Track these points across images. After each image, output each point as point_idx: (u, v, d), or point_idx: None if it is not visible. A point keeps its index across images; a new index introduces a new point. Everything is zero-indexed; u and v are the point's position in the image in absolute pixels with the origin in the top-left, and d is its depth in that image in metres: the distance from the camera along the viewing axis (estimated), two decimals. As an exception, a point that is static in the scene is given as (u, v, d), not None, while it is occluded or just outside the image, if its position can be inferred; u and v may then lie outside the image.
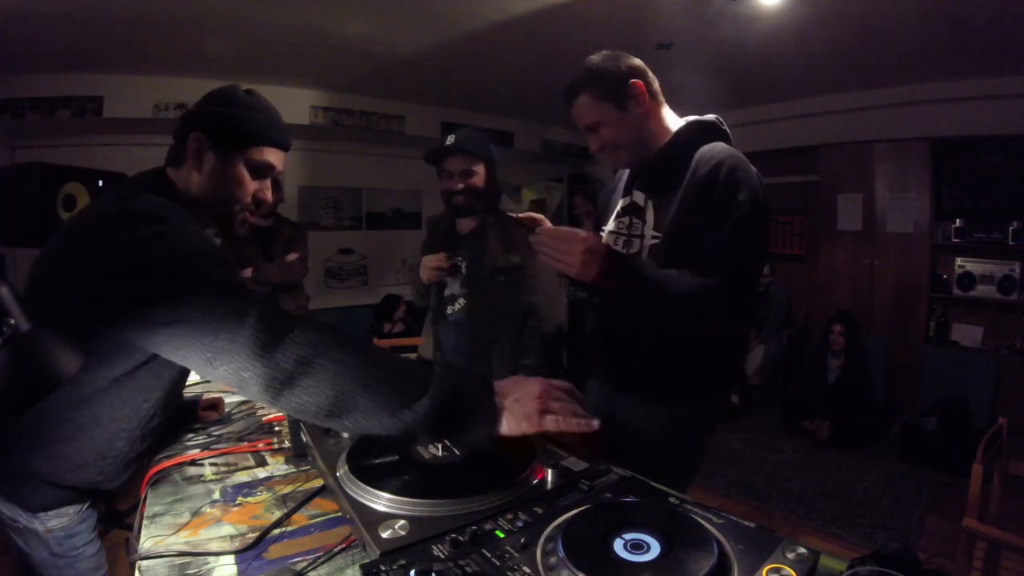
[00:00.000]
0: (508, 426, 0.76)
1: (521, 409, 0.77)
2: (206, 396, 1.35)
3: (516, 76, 3.82)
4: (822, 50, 3.24)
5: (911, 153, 4.07)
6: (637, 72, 1.22)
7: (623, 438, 1.17)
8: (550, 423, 0.77)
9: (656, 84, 1.26)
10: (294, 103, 3.98)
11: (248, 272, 2.90)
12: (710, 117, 1.27)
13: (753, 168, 1.15)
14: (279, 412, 0.88)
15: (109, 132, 3.56)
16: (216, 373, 0.73)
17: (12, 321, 0.76)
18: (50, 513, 1.01)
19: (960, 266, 3.92)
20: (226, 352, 0.71)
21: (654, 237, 1.20)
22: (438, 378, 0.74)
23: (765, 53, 3.29)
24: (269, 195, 1.01)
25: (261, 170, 0.98)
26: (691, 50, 3.27)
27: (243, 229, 1.02)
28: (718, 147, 1.18)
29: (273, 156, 0.99)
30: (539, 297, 1.70)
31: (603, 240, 1.11)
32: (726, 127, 1.26)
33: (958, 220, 3.89)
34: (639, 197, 1.28)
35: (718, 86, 4.04)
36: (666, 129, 1.26)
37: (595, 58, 1.23)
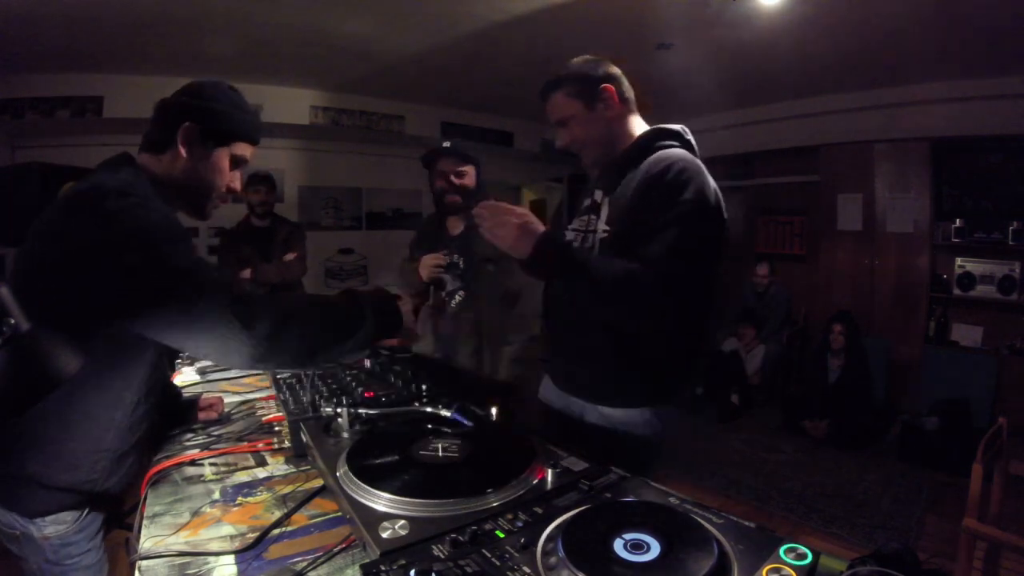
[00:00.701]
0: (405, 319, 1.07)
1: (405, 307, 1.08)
2: (204, 396, 1.35)
3: (516, 76, 3.82)
4: (822, 50, 3.24)
5: (911, 153, 4.07)
6: (611, 78, 1.30)
7: (577, 434, 1.27)
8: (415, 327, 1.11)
9: (630, 92, 1.34)
10: (294, 103, 3.99)
11: (247, 272, 2.91)
12: (676, 126, 1.33)
13: (708, 176, 1.21)
14: (259, 371, 0.98)
15: (109, 132, 3.55)
16: (195, 347, 0.83)
17: (12, 321, 0.76)
18: (47, 519, 1.01)
19: (960, 266, 3.92)
20: (208, 329, 0.83)
21: (604, 231, 1.26)
22: (363, 298, 1.01)
23: (765, 53, 3.30)
24: (238, 185, 1.12)
25: (238, 162, 1.08)
26: (691, 50, 3.27)
27: (211, 213, 1.12)
28: (675, 151, 1.24)
29: (249, 151, 1.10)
30: (523, 280, 1.74)
31: (541, 224, 1.15)
32: (690, 136, 1.33)
33: (958, 220, 3.89)
34: (598, 195, 1.34)
35: (718, 86, 4.04)
36: (631, 134, 1.34)
37: (576, 60, 1.31)
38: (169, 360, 1.89)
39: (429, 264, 1.82)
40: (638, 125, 1.36)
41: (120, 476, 1.07)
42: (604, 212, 1.29)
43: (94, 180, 0.95)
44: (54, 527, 1.01)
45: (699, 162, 1.23)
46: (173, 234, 0.89)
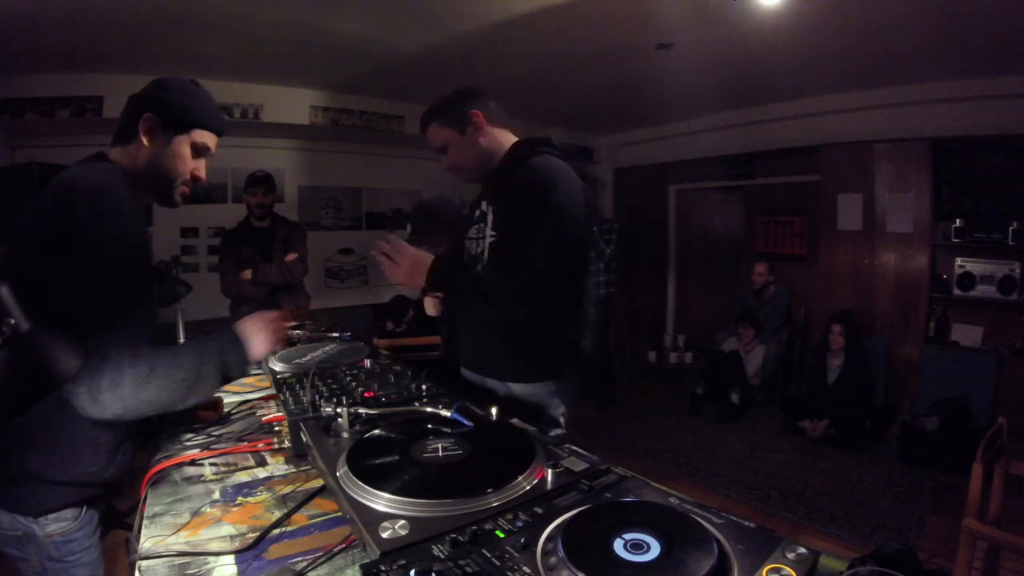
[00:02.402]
0: (255, 354, 1.07)
1: (257, 340, 1.07)
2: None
3: (516, 76, 3.82)
4: (822, 50, 3.24)
5: (911, 153, 4.06)
6: (477, 103, 1.46)
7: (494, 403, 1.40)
8: (275, 344, 1.10)
9: (496, 111, 1.50)
10: (294, 103, 3.98)
11: (247, 273, 2.90)
12: (542, 136, 1.51)
13: (572, 179, 1.37)
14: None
15: (109, 132, 3.52)
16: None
17: (12, 321, 0.76)
18: (49, 517, 1.02)
19: (960, 266, 3.92)
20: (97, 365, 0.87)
21: (492, 236, 1.44)
22: (206, 346, 1.02)
23: (765, 53, 3.29)
24: (203, 173, 1.16)
25: (200, 151, 1.13)
26: (691, 50, 3.26)
27: (180, 201, 1.15)
28: (543, 160, 1.39)
29: (211, 140, 1.14)
30: None
31: (432, 257, 1.37)
32: (555, 143, 1.50)
33: (958, 220, 3.89)
34: (484, 205, 1.50)
35: (718, 86, 4.04)
36: (503, 148, 1.49)
37: (444, 94, 1.49)
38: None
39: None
40: (509, 138, 1.52)
41: (116, 466, 1.10)
42: (490, 219, 1.46)
43: (67, 177, 0.98)
44: (56, 524, 1.03)
45: (565, 167, 1.39)
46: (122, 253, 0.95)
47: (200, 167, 1.14)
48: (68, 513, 1.05)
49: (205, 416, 1.30)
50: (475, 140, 1.45)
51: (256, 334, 1.07)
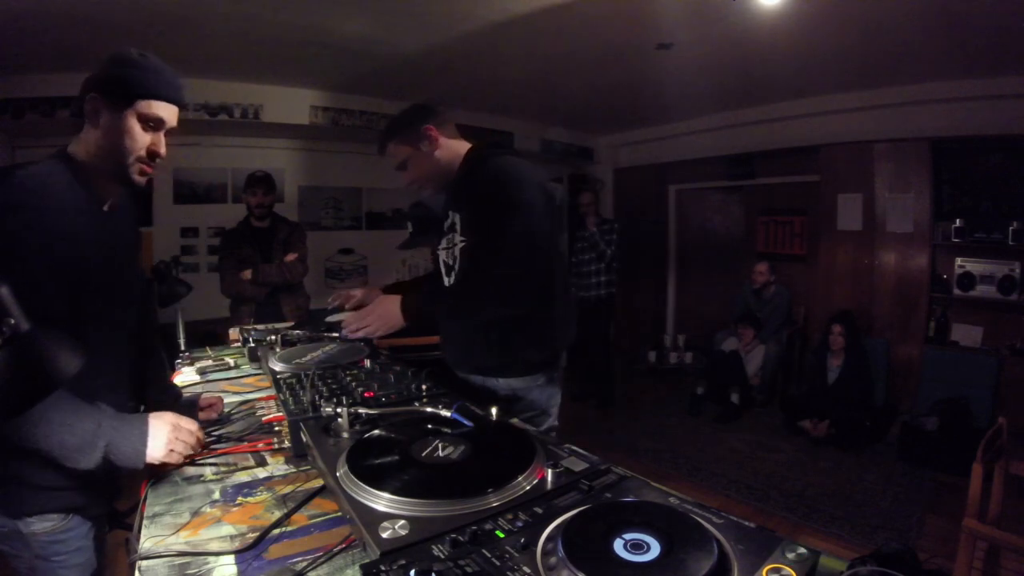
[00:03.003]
0: (151, 454, 0.98)
1: (159, 443, 0.99)
2: (204, 396, 1.35)
3: (516, 76, 3.82)
4: (822, 50, 3.24)
5: (911, 153, 4.06)
6: (430, 118, 1.50)
7: (482, 395, 1.49)
8: (173, 458, 1.00)
9: (449, 123, 1.55)
10: (294, 103, 3.98)
11: (247, 273, 2.90)
12: (495, 139, 1.52)
13: (530, 173, 1.42)
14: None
15: (109, 132, 3.55)
16: None
17: (12, 321, 0.76)
18: (33, 518, 1.02)
19: (960, 266, 3.92)
20: None
21: (462, 242, 1.50)
22: (107, 424, 0.95)
23: (765, 53, 3.29)
24: (162, 148, 1.06)
25: (151, 123, 1.04)
26: (691, 50, 3.26)
27: (142, 180, 1.07)
28: (498, 160, 1.44)
29: (163, 110, 1.04)
30: None
31: (392, 296, 1.47)
32: (509, 143, 1.53)
33: (958, 220, 3.89)
34: (451, 214, 1.55)
35: (718, 86, 4.04)
36: (459, 157, 1.53)
37: (396, 114, 1.55)
38: (170, 359, 1.90)
39: None
40: (464, 147, 1.56)
41: (100, 475, 1.05)
42: (458, 226, 1.51)
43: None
44: (40, 524, 1.03)
45: (520, 163, 1.45)
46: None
47: (158, 142, 1.06)
48: (52, 515, 1.04)
49: (205, 416, 1.30)
50: (431, 154, 1.51)
51: (162, 436, 0.99)
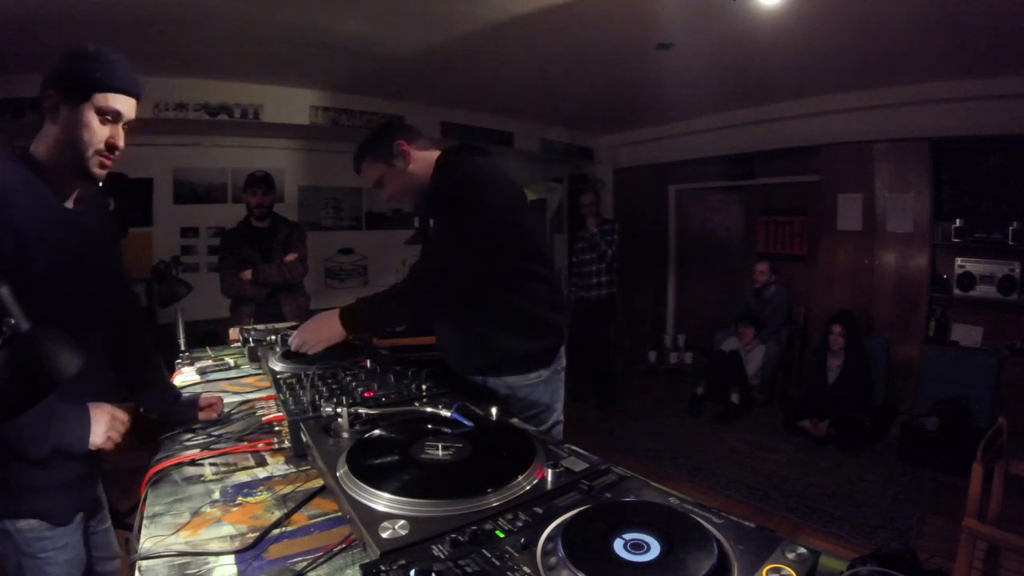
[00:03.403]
0: (93, 440, 1.03)
1: (99, 429, 1.04)
2: (204, 396, 1.35)
3: (516, 76, 3.82)
4: (822, 50, 3.24)
5: (911, 153, 4.06)
6: (400, 134, 1.54)
7: (483, 393, 1.52)
8: (108, 445, 1.06)
9: (420, 136, 1.59)
10: (294, 103, 3.98)
11: (247, 273, 2.90)
12: (463, 142, 1.59)
13: (492, 170, 1.45)
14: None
15: (109, 132, 3.55)
16: None
17: (12, 321, 0.76)
18: (20, 519, 1.04)
19: (960, 266, 3.92)
20: None
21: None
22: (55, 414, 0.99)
23: (765, 53, 3.29)
24: (121, 141, 1.07)
25: (108, 115, 1.04)
26: (691, 50, 3.26)
27: (102, 173, 1.08)
28: (461, 165, 1.47)
29: (120, 103, 1.05)
30: None
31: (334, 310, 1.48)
32: (479, 145, 1.56)
33: (958, 220, 3.89)
34: (427, 222, 1.58)
35: (718, 86, 4.04)
36: (432, 167, 1.56)
37: (368, 133, 1.59)
38: (170, 359, 1.90)
39: None
40: (436, 155, 1.58)
41: (74, 476, 1.11)
42: (432, 233, 1.55)
43: None
44: (25, 522, 1.05)
45: (482, 162, 1.48)
46: None
47: (116, 134, 1.06)
48: (33, 521, 1.06)
49: (205, 416, 1.30)
50: (405, 168, 1.54)
51: (102, 424, 1.04)
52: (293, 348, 1.48)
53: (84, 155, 1.03)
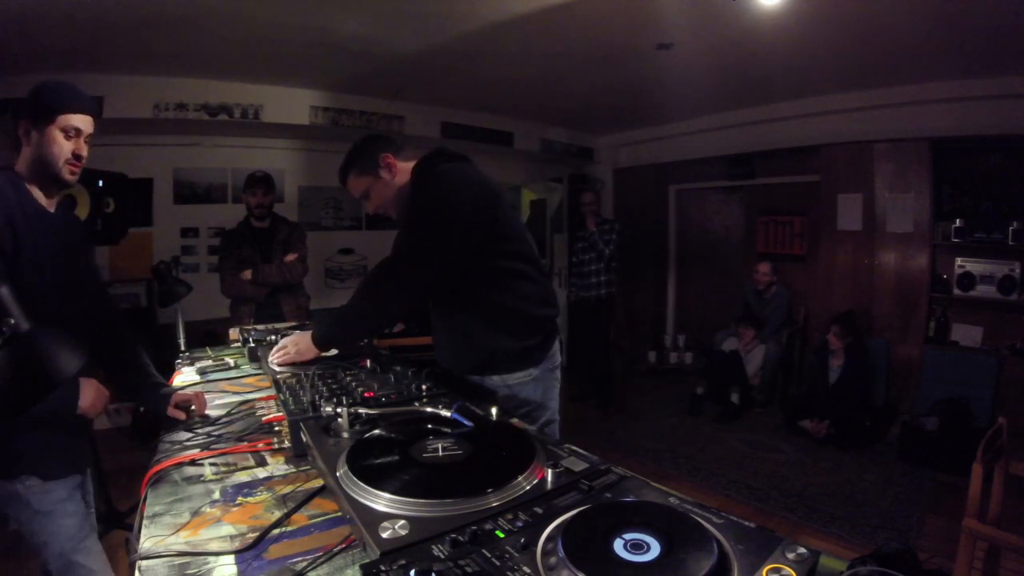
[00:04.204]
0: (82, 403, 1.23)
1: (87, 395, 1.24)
2: (179, 393, 1.35)
3: (516, 76, 3.82)
4: (822, 50, 3.24)
5: (911, 153, 4.06)
6: (384, 147, 1.56)
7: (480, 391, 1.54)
8: (92, 412, 1.27)
9: (403, 148, 1.60)
10: (294, 103, 3.98)
11: (247, 273, 2.90)
12: (435, 148, 1.58)
13: (458, 173, 1.46)
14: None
15: (109, 132, 3.55)
16: None
17: (12, 321, 0.76)
18: (26, 476, 1.24)
19: (960, 266, 3.92)
20: None
21: None
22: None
23: (765, 53, 3.29)
24: (84, 151, 1.30)
25: (72, 132, 1.27)
26: (691, 50, 3.26)
27: (72, 178, 1.31)
28: (432, 173, 1.48)
29: (78, 121, 1.27)
30: None
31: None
32: (451, 151, 1.56)
33: (958, 220, 3.89)
34: None
35: (718, 86, 4.04)
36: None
37: (352, 146, 1.61)
38: (170, 360, 1.90)
39: None
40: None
41: (65, 436, 1.31)
42: None
43: None
44: (29, 479, 1.25)
45: (449, 166, 1.48)
46: None
47: (79, 147, 1.28)
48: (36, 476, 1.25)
49: (173, 415, 1.30)
50: (391, 181, 1.56)
51: (88, 392, 1.24)
52: (277, 361, 1.51)
53: (58, 164, 1.27)
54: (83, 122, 1.28)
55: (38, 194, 1.29)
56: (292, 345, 1.52)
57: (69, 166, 1.28)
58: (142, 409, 1.39)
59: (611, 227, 4.45)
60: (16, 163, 1.29)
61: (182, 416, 1.30)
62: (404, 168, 1.57)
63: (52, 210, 1.33)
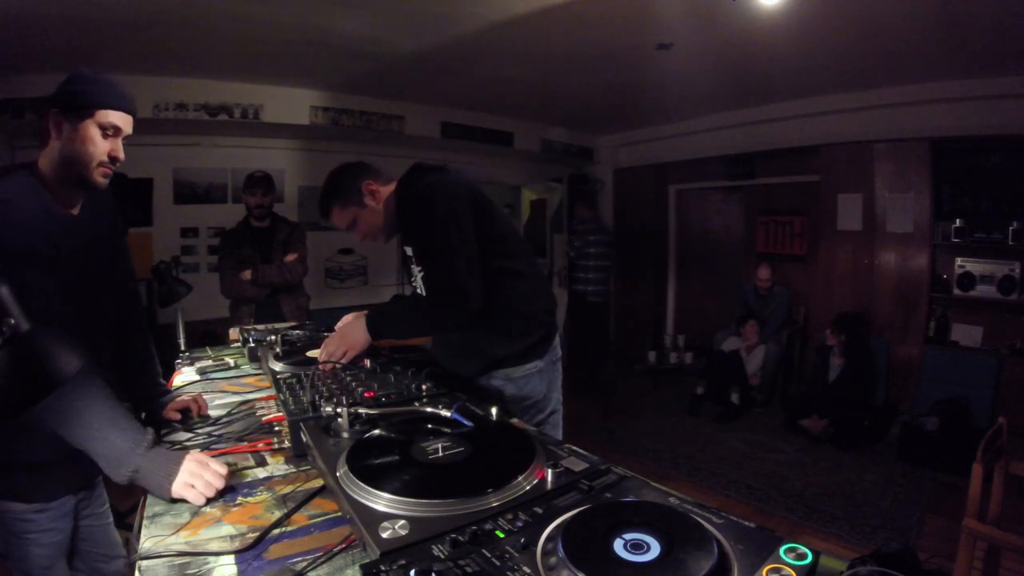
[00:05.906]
0: (173, 489, 0.92)
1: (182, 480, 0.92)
2: (177, 400, 1.34)
3: (516, 76, 3.82)
4: (822, 50, 3.24)
5: (911, 153, 4.06)
6: (364, 174, 1.56)
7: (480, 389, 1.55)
8: (190, 496, 0.91)
9: (381, 172, 1.61)
10: (294, 103, 3.98)
11: (247, 273, 2.90)
12: (412, 166, 1.59)
13: (444, 182, 1.46)
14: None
15: (109, 132, 3.55)
16: None
17: (12, 321, 0.76)
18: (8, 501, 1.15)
19: (960, 266, 3.92)
20: None
21: (420, 271, 1.55)
22: (140, 447, 0.96)
23: (765, 53, 3.29)
24: (121, 153, 1.17)
25: (109, 130, 1.13)
26: (691, 50, 3.26)
27: (104, 181, 1.17)
28: (412, 192, 1.50)
29: (118, 119, 1.14)
30: None
31: (355, 314, 1.54)
32: (430, 164, 1.57)
33: (958, 220, 3.89)
34: (406, 248, 1.63)
35: (718, 86, 4.04)
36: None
37: (330, 176, 1.59)
38: (170, 359, 1.90)
39: None
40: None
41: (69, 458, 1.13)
42: (414, 259, 1.58)
43: None
44: (15, 504, 1.15)
45: (433, 178, 1.49)
46: None
47: (116, 148, 1.15)
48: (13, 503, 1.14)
49: (169, 417, 1.30)
50: (376, 207, 1.56)
51: (187, 475, 0.93)
52: (321, 360, 1.46)
53: (90, 165, 1.12)
54: (123, 121, 1.15)
55: (59, 197, 1.15)
56: (339, 344, 1.48)
57: (102, 168, 1.14)
58: (143, 415, 1.33)
59: (602, 230, 4.44)
60: (40, 158, 1.14)
61: (178, 418, 1.30)
62: (385, 191, 1.57)
63: (76, 212, 1.20)
